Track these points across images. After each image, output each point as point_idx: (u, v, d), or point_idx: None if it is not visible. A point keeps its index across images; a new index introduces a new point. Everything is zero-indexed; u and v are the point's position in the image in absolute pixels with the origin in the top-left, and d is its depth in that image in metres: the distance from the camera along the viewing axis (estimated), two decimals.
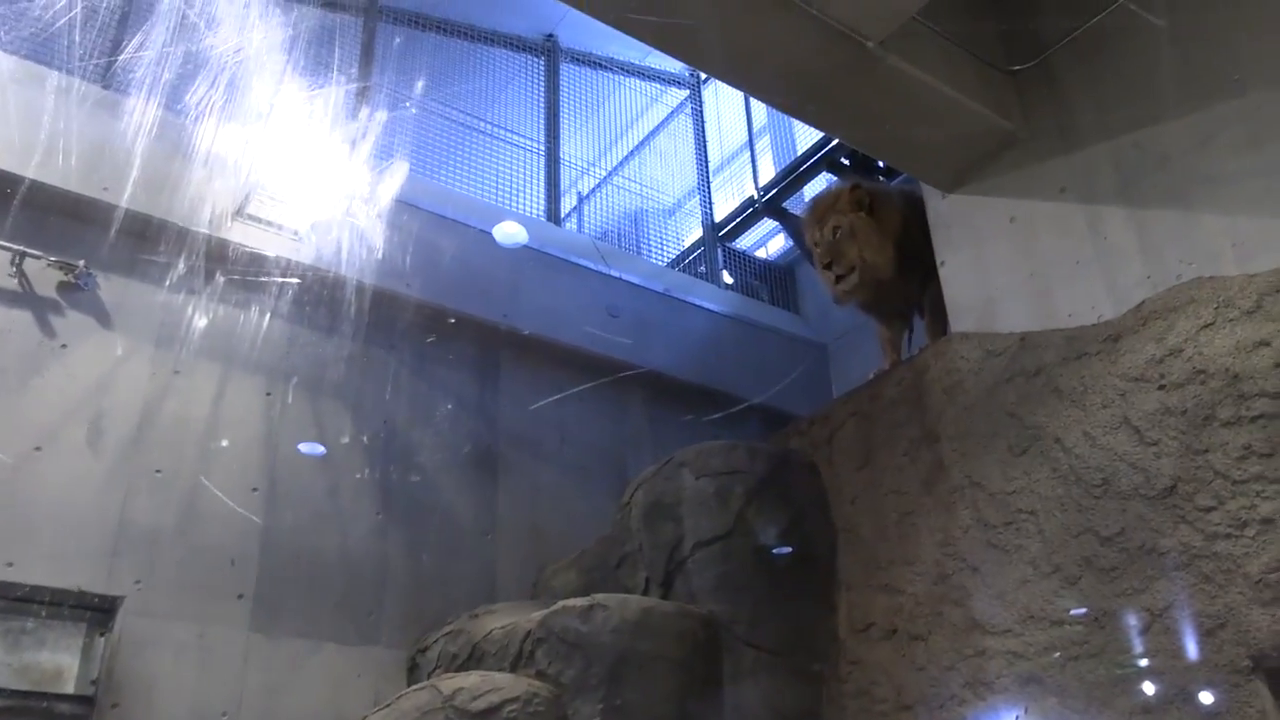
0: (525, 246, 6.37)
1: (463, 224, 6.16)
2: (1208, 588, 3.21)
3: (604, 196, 7.74)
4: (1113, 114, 4.09)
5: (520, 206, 6.89)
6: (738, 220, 7.97)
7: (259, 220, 5.21)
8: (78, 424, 4.57)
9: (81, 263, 4.77)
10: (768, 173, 7.98)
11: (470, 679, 3.68)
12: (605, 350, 6.37)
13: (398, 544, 5.17)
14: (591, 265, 6.69)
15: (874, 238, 4.62)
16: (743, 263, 7.99)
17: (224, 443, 4.82)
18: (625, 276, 6.83)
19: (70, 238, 4.84)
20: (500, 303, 6.06)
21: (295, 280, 5.24)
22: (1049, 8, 4.40)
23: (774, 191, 7.84)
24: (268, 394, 5.07)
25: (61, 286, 4.74)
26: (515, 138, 7.10)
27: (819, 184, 8.23)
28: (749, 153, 8.14)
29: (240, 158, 5.17)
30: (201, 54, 5.22)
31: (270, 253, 5.25)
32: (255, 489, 4.84)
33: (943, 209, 4.65)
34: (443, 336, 5.84)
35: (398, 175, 5.84)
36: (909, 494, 4.14)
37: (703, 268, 7.69)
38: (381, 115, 6.03)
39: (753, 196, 7.94)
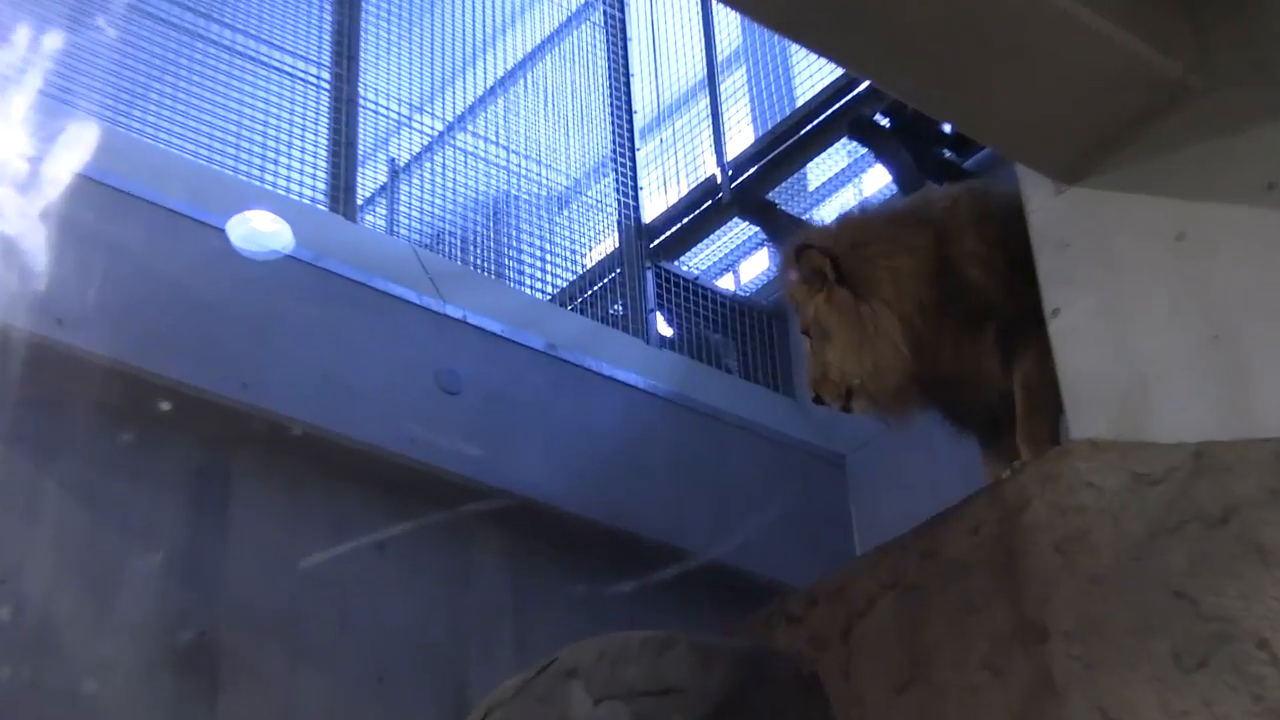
0: (288, 258, 6.48)
1: (179, 215, 6.27)
2: None
3: (437, 170, 7.84)
4: None
5: (282, 184, 7.00)
6: (685, 222, 8.23)
7: None
8: None
9: None
10: (742, 138, 8.21)
11: None
12: (433, 458, 6.46)
13: None
14: (412, 297, 6.79)
15: (854, 329, 4.89)
16: (694, 299, 8.24)
17: None
18: (474, 319, 6.93)
19: None
20: (238, 363, 6.18)
21: None
22: None
23: (752, 172, 8.05)
24: None
25: None
26: (277, 58, 7.22)
27: (834, 161, 8.14)
28: (708, 100, 8.40)
29: None
30: None
31: None
32: None
33: (1055, 214, 4.75)
34: (134, 425, 5.95)
35: (76, 141, 6.07)
36: None
37: (619, 306, 7.90)
38: (55, 40, 6.28)
39: (713, 179, 8.19)
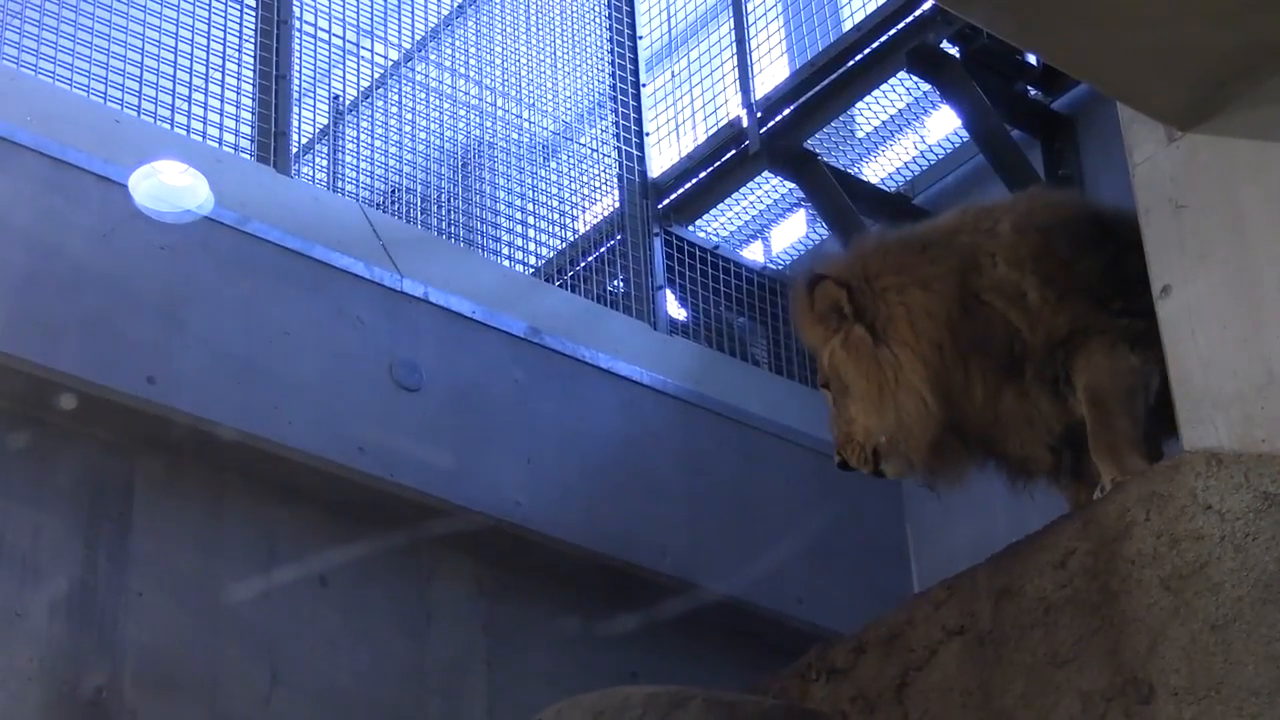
0: (206, 221, 6.47)
1: (70, 167, 6.26)
2: None
3: (391, 111, 7.87)
4: None
5: (198, 128, 7.01)
6: (702, 177, 8.21)
7: None
8: None
9: None
10: (774, 71, 8.13)
11: None
12: (386, 471, 6.51)
13: None
14: (361, 270, 6.81)
15: (873, 378, 5.07)
16: (713, 272, 8.22)
17: None
18: (437, 297, 6.95)
19: None
20: (143, 352, 6.18)
21: None
22: None
23: (787, 114, 7.98)
24: None
25: None
26: None
27: (890, 101, 8.14)
28: (731, 23, 8.36)
29: None
30: None
31: None
32: None
33: (1168, 168, 4.72)
34: (16, 431, 5.97)
35: None
36: None
37: (620, 281, 7.86)
38: None
39: (737, 124, 8.12)
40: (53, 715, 5.68)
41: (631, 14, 8.61)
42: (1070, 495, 5.18)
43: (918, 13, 7.50)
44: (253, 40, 7.28)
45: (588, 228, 8.16)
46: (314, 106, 7.73)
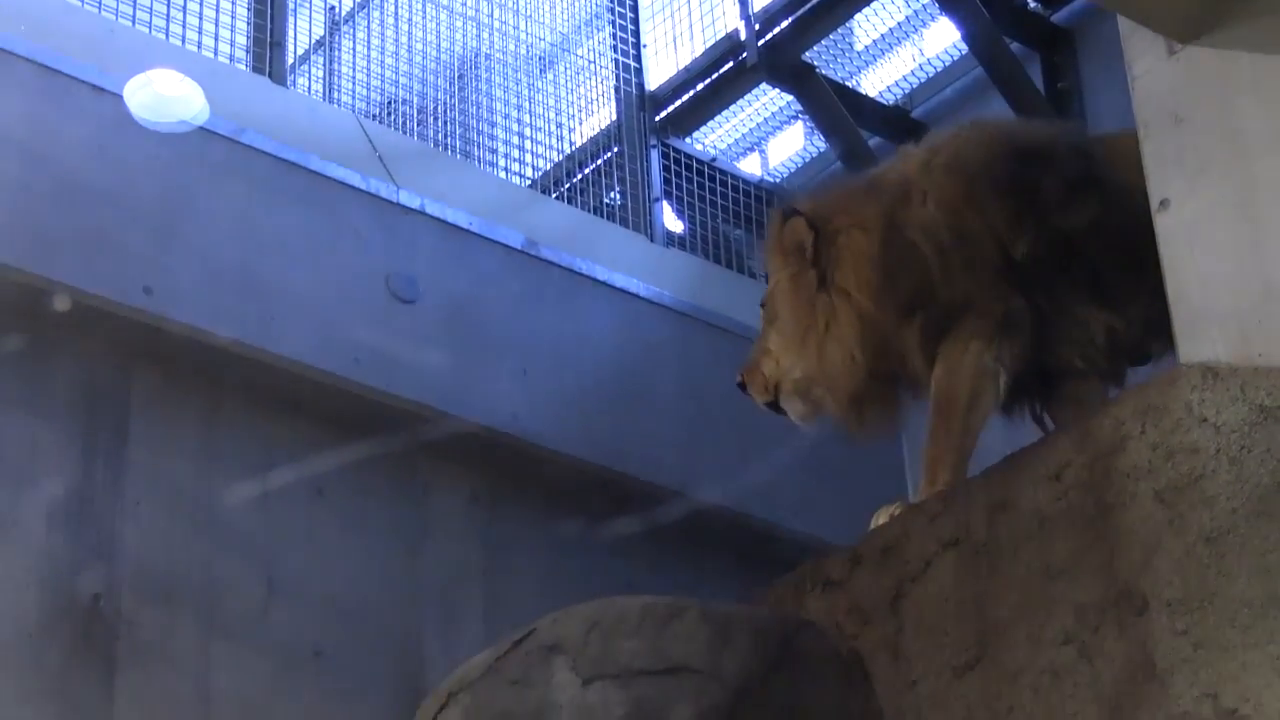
0: (201, 131, 6.45)
1: (64, 77, 6.24)
2: None
3: (388, 21, 7.86)
4: None
5: (193, 38, 6.99)
6: (700, 89, 8.25)
7: None
8: None
9: None
10: None
11: None
12: (382, 382, 6.53)
13: None
14: (357, 181, 6.81)
15: (804, 319, 5.13)
16: (710, 185, 8.28)
17: None
18: (434, 209, 6.96)
19: None
20: (139, 263, 6.18)
21: None
22: None
23: (785, 26, 7.94)
24: None
25: None
26: None
27: (889, 13, 8.11)
28: None
29: None
30: None
31: None
32: None
33: (1168, 81, 4.70)
34: (12, 341, 5.98)
35: None
36: None
37: (616, 193, 7.88)
38: None
39: (735, 35, 8.10)
40: (50, 623, 5.71)
41: None
42: (1051, 418, 5.28)
43: None
44: None
45: (585, 140, 8.17)
46: (310, 17, 7.70)
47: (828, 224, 5.13)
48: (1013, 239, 5.01)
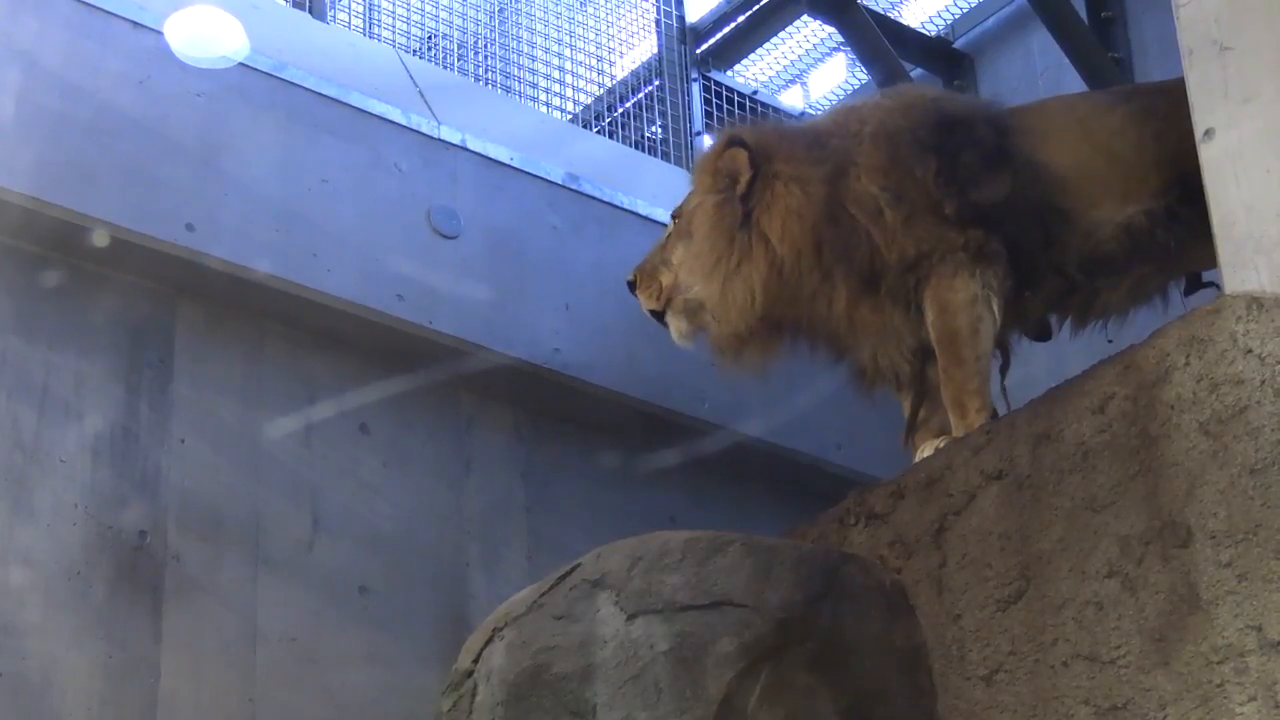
0: (242, 67, 6.45)
1: (104, 13, 6.24)
2: None
3: None
4: None
5: None
6: (741, 21, 8.27)
7: None
8: None
9: None
10: None
11: None
12: (424, 318, 6.55)
13: None
14: (398, 117, 6.81)
15: (717, 249, 5.17)
16: (752, 118, 8.21)
17: None
18: (475, 144, 6.95)
19: None
20: (181, 200, 6.18)
21: None
22: None
23: None
24: None
25: None
26: None
27: None
28: None
29: None
30: None
31: None
32: None
33: (1211, 6, 4.64)
34: (55, 277, 5.99)
35: None
36: (1120, 664, 4.17)
37: (658, 127, 7.88)
38: None
39: None
40: (97, 559, 5.74)
41: None
42: (909, 405, 5.39)
43: None
44: None
45: (625, 73, 8.18)
46: None
47: (768, 164, 5.17)
48: (940, 198, 5.07)
